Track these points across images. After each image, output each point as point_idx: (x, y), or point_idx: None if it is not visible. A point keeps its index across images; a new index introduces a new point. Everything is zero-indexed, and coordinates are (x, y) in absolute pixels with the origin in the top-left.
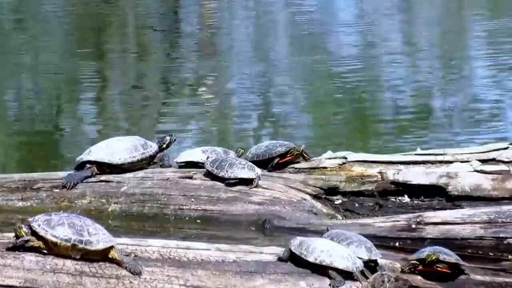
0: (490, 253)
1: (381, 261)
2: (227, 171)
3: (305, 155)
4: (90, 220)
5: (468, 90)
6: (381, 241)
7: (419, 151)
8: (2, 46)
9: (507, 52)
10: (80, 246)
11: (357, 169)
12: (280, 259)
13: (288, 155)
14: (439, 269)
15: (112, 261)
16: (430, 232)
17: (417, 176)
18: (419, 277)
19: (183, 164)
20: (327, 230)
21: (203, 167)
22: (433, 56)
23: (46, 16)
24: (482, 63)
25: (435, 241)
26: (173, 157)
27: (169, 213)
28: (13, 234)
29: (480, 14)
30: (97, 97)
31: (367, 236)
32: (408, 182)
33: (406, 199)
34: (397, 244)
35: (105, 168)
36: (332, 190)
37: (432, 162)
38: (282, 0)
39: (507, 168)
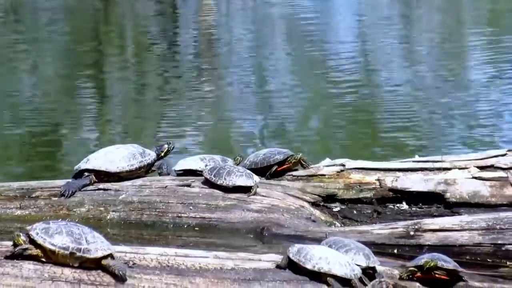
0: (488, 260)
1: (379, 268)
2: (225, 179)
3: (303, 162)
4: (89, 228)
5: (466, 97)
6: (379, 248)
7: (417, 158)
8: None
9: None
10: (78, 254)
11: (355, 177)
12: (278, 267)
13: (286, 163)
14: (437, 276)
15: (103, 269)
16: (428, 239)
17: (415, 183)
18: (417, 284)
19: (181, 172)
20: (326, 237)
21: (201, 175)
22: (433, 63)
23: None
24: (481, 71)
25: (433, 248)
26: (171, 165)
27: (167, 221)
28: (11, 243)
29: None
30: (96, 106)
31: (366, 243)
32: (406, 189)
33: (404, 206)
34: (395, 251)
35: (103, 176)
36: (330, 198)
37: (430, 169)
38: (281, 12)
39: (505, 175)
